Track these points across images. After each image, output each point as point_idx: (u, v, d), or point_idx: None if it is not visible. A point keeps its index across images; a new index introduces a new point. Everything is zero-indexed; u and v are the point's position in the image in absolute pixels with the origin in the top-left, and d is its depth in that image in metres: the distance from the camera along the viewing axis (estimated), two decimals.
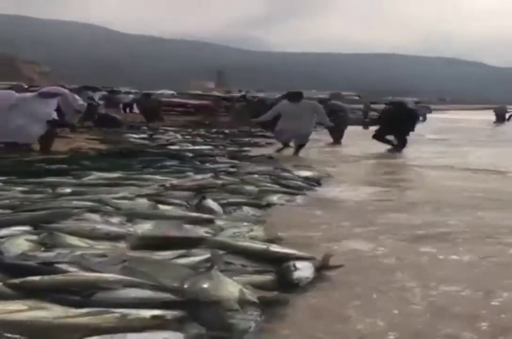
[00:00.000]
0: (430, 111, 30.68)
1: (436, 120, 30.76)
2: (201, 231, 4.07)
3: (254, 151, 10.57)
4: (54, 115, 8.96)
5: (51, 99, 9.03)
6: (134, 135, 12.88)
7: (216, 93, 41.08)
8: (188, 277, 2.87)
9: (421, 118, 25.52)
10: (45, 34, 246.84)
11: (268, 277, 3.17)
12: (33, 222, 3.90)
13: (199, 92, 40.97)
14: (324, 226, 4.63)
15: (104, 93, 20.76)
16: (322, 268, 3.40)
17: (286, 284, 3.11)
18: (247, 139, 13.35)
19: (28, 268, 2.93)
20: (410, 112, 12.06)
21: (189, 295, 2.67)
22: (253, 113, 20.49)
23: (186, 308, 2.57)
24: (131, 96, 25.77)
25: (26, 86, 19.24)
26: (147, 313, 2.44)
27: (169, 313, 2.49)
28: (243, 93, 31.65)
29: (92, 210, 4.40)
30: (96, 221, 4.06)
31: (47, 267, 2.93)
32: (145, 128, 15.66)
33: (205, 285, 2.74)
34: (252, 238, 3.87)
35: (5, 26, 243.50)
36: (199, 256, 3.38)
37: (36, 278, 2.69)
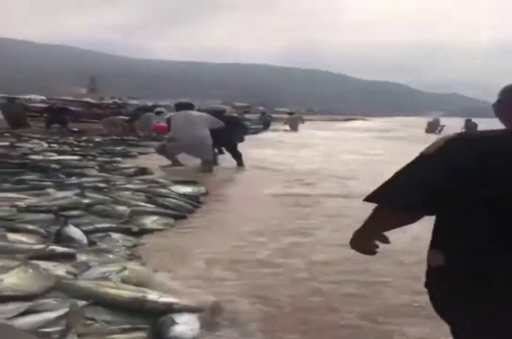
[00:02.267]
0: (271, 119, 31.20)
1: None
2: (60, 271, 3.24)
3: (126, 162, 9.70)
4: None
5: None
6: None
7: (88, 99, 39.69)
8: None
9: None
10: None
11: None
12: None
13: (70, 98, 39.53)
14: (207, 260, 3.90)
15: None
16: (211, 321, 2.73)
17: None
18: (119, 148, 12.34)
19: None
20: (229, 120, 10.89)
21: None
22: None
23: None
24: None
25: None
26: None
27: None
28: (115, 100, 30.61)
29: None
30: None
31: None
32: (8, 135, 14.21)
33: None
34: (124, 281, 3.11)
35: None
36: (52, 311, 2.59)
37: None
